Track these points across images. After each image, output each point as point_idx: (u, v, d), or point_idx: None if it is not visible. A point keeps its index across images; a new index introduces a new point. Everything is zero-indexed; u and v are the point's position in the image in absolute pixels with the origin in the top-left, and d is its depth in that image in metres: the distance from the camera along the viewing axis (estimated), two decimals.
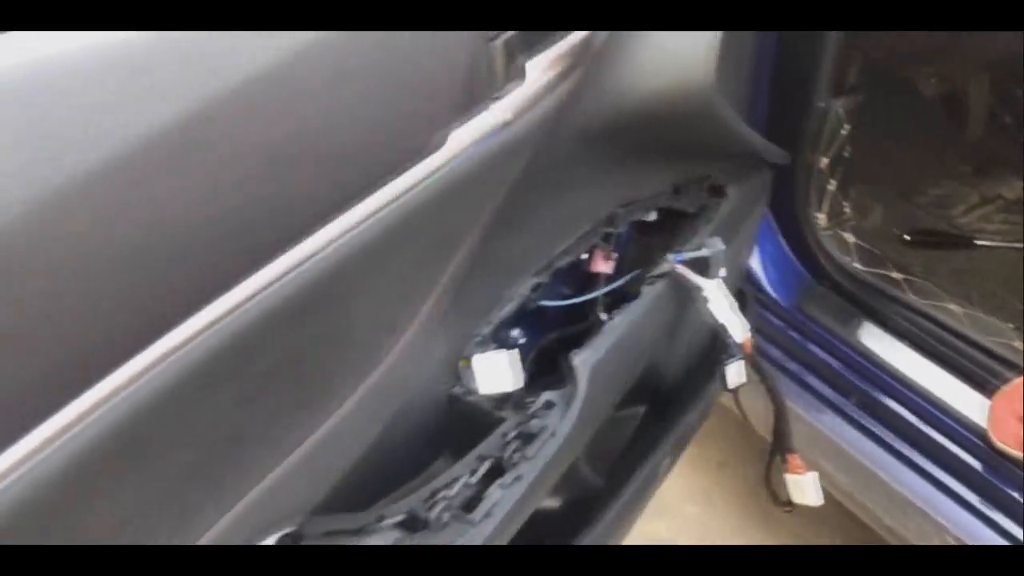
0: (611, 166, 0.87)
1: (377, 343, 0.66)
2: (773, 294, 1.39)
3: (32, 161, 0.41)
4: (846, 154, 1.39)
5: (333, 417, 0.63)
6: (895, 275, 1.41)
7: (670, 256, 0.87)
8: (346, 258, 0.56)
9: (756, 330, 1.36)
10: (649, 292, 0.84)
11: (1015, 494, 1.14)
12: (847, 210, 1.44)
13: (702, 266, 0.88)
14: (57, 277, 0.42)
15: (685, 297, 0.88)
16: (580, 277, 0.94)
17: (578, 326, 0.86)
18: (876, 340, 1.32)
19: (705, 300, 0.84)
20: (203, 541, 0.57)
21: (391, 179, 0.56)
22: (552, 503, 1.01)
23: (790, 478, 0.91)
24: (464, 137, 0.60)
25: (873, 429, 1.29)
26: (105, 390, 0.45)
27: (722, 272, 0.88)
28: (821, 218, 1.41)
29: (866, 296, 1.35)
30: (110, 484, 0.49)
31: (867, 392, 1.29)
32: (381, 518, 0.64)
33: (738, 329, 0.85)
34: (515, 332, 0.84)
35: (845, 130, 1.36)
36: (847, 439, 1.30)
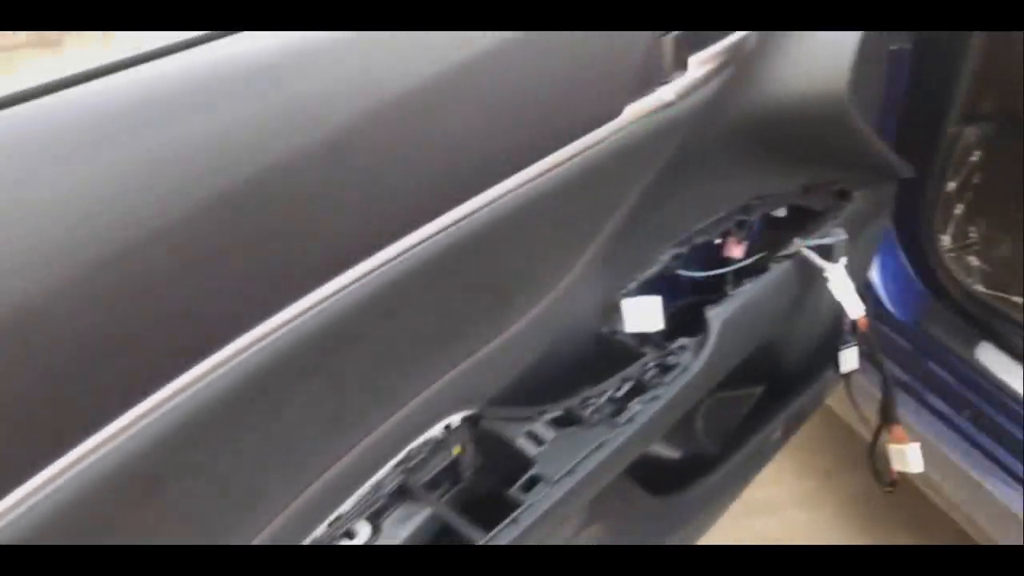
0: (749, 160, 1.00)
1: (546, 279, 0.81)
2: (892, 309, 1.47)
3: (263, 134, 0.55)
4: (975, 180, 1.46)
5: (509, 331, 0.79)
6: (1016, 299, 1.45)
7: (797, 240, 0.99)
8: (529, 201, 0.71)
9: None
10: (776, 268, 0.97)
11: None
12: (972, 234, 1.50)
13: (826, 252, 0.99)
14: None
15: (808, 278, 0.99)
16: (712, 260, 1.07)
17: (709, 296, 0.99)
18: (992, 359, 1.38)
19: (826, 280, 0.96)
20: (398, 415, 0.73)
21: (580, 137, 0.72)
22: (672, 454, 1.13)
23: (893, 448, 1.00)
24: (636, 110, 0.75)
25: (983, 443, 1.34)
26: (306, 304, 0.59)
27: (843, 260, 0.99)
28: (945, 239, 1.47)
29: (985, 316, 1.41)
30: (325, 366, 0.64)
31: (980, 407, 1.35)
32: (543, 412, 0.79)
33: (855, 308, 0.96)
34: (665, 290, 0.97)
35: (975, 157, 1.43)
36: (958, 453, 1.36)
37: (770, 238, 1.10)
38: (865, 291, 1.42)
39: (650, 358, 0.85)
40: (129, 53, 0.56)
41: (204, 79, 0.54)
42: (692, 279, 1.00)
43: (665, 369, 0.84)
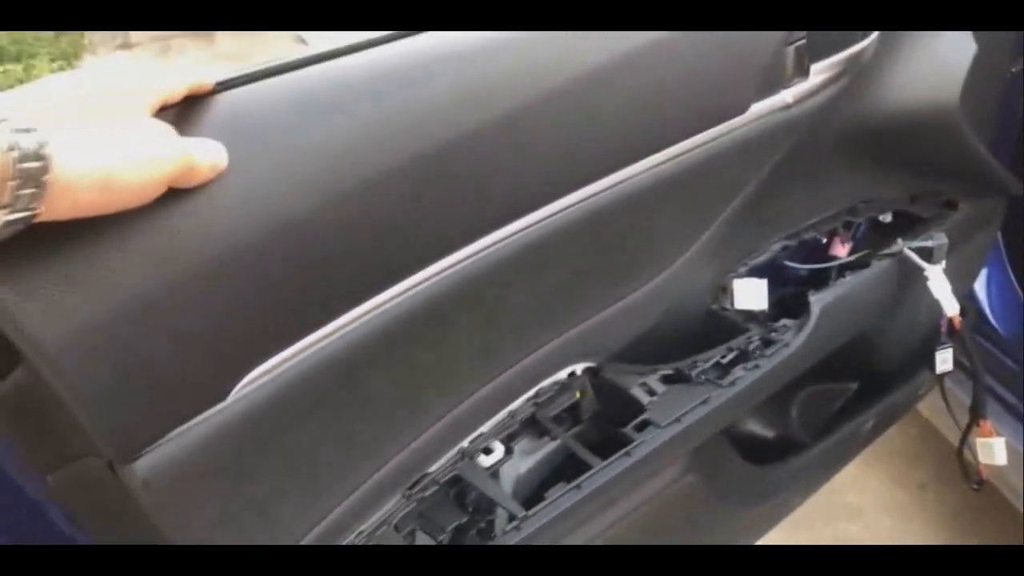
0: (860, 165, 1.09)
1: (666, 254, 0.92)
2: (996, 325, 1.51)
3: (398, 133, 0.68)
4: None
5: (630, 297, 0.90)
6: None
7: (900, 240, 1.07)
8: (658, 183, 0.83)
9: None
10: (878, 265, 1.05)
11: None
12: None
13: (927, 254, 1.07)
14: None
15: (908, 278, 1.07)
16: (817, 257, 1.15)
17: (813, 287, 1.08)
18: None
19: (926, 279, 1.03)
20: (533, 356, 0.85)
21: (710, 127, 0.83)
22: (769, 434, 1.23)
23: (980, 441, 1.06)
24: (759, 109, 0.86)
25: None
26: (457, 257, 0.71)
27: (943, 263, 1.06)
28: None
29: None
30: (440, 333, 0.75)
31: None
32: (655, 370, 0.90)
33: (951, 307, 1.03)
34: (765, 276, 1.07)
35: None
36: None
37: (874, 241, 1.18)
38: (970, 303, 1.47)
39: (755, 333, 0.95)
40: (354, 40, 0.71)
41: (407, 65, 0.68)
42: (797, 271, 1.09)
43: (767, 343, 0.94)
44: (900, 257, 1.06)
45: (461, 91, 0.69)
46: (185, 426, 0.57)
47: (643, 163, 0.81)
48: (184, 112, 0.58)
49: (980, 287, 1.53)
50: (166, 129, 0.54)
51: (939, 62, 1.01)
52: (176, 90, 0.57)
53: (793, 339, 0.95)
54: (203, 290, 0.55)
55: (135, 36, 3.94)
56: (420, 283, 0.69)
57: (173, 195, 0.53)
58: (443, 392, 0.78)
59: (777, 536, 1.72)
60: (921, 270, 1.04)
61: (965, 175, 1.18)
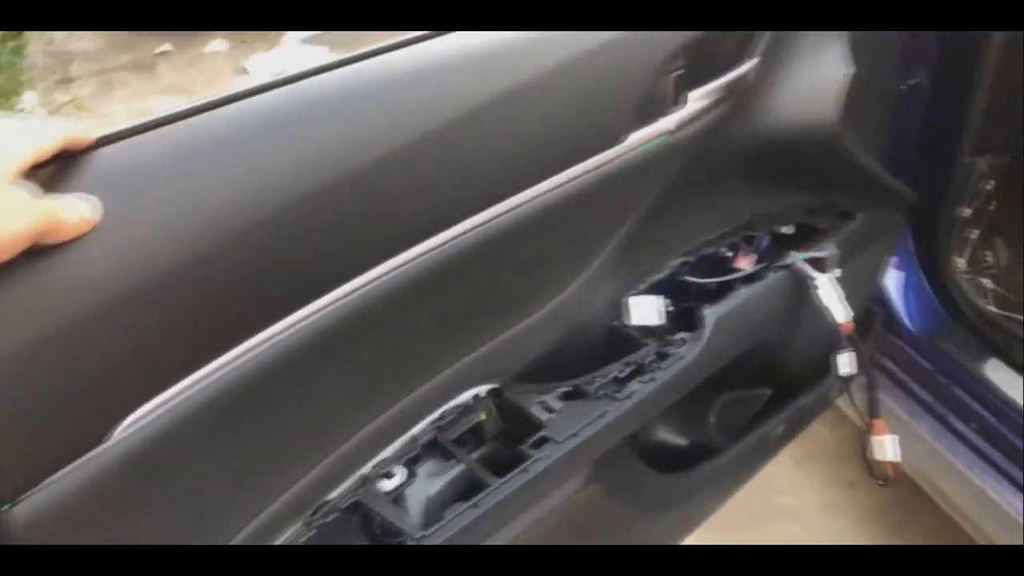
0: (754, 182, 1.14)
1: (563, 277, 0.96)
2: (910, 326, 1.57)
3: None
4: (990, 208, 1.55)
5: (529, 320, 0.94)
6: (1018, 316, 1.54)
7: (792, 253, 1.12)
8: (545, 210, 0.87)
9: (889, 355, 1.55)
10: (771, 276, 1.10)
11: None
12: (988, 258, 1.59)
13: (819, 265, 1.12)
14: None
15: (802, 287, 1.12)
16: (722, 271, 1.20)
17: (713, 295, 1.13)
18: (1000, 375, 1.46)
19: (816, 288, 1.08)
20: (435, 381, 0.89)
21: (587, 158, 0.87)
22: (684, 442, 1.27)
23: (875, 439, 1.11)
24: (638, 138, 0.91)
25: (989, 454, 1.43)
26: (347, 289, 0.74)
27: (836, 272, 1.11)
28: (961, 262, 1.57)
29: (995, 335, 1.50)
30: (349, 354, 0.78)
31: (987, 420, 1.44)
32: (556, 387, 0.94)
33: (841, 313, 1.08)
34: (665, 297, 1.12)
35: (989, 185, 1.53)
36: (964, 461, 1.45)
37: (777, 253, 1.23)
38: (879, 306, 1.53)
39: (651, 347, 1.00)
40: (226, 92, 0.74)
41: (294, 107, 0.71)
42: (699, 285, 1.14)
43: (663, 356, 0.98)
44: (792, 268, 1.11)
45: (348, 130, 0.72)
46: (65, 469, 0.59)
47: (533, 191, 0.85)
48: (61, 169, 0.61)
49: (893, 289, 1.59)
50: (30, 189, 0.56)
51: (818, 83, 1.06)
52: (48, 148, 0.60)
53: (688, 351, 0.99)
54: (72, 342, 0.57)
55: (76, 70, 3.93)
56: (314, 313, 0.72)
57: (43, 251, 0.56)
58: (343, 420, 0.81)
59: (715, 539, 1.76)
60: (811, 279, 1.09)
61: (857, 187, 1.24)
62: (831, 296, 1.08)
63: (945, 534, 1.68)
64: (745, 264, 1.21)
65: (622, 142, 0.90)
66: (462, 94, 0.78)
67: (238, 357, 0.68)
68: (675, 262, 1.11)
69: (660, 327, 1.03)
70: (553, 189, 0.86)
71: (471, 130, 0.78)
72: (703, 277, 1.16)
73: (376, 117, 0.74)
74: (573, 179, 0.87)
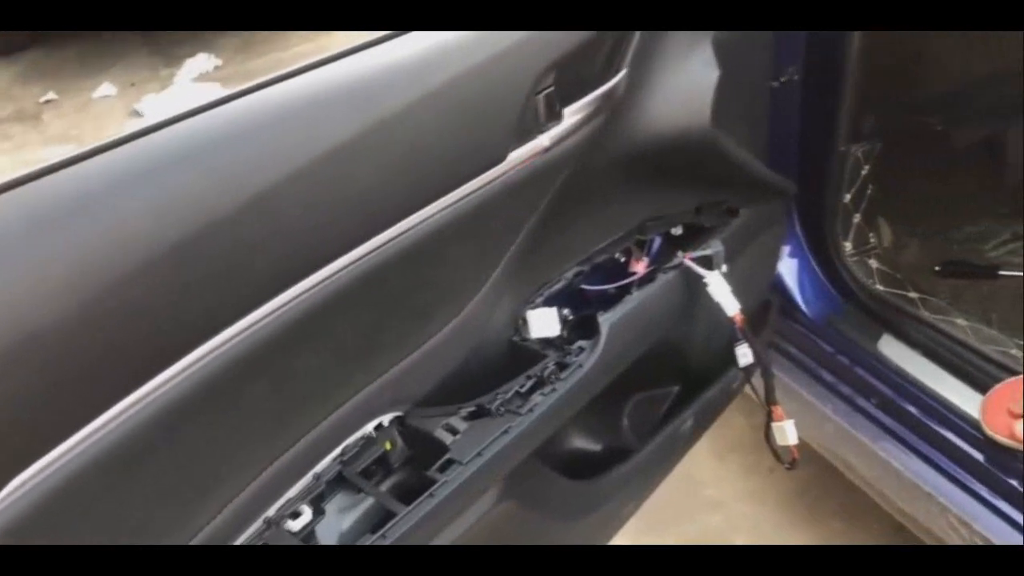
0: (640, 187, 1.17)
1: (458, 297, 0.97)
2: (807, 311, 1.63)
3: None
4: (869, 191, 1.63)
5: (428, 344, 0.95)
6: (912, 295, 1.62)
7: (680, 253, 1.16)
8: (441, 230, 0.88)
9: (791, 341, 1.61)
10: (662, 278, 1.13)
11: (1008, 478, 1.33)
12: (872, 240, 1.67)
13: (707, 263, 1.15)
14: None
15: (694, 285, 1.16)
16: (618, 274, 1.23)
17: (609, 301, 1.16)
18: (893, 350, 1.54)
19: (706, 284, 1.12)
20: (334, 416, 0.88)
21: (471, 179, 0.88)
22: (598, 447, 1.29)
23: (775, 426, 1.15)
24: (521, 154, 0.92)
25: (890, 426, 1.50)
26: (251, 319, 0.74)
27: (723, 268, 1.15)
28: (848, 246, 1.64)
29: (885, 313, 1.58)
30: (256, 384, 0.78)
31: (885, 394, 1.51)
32: (460, 408, 0.95)
33: (730, 307, 1.11)
34: (562, 307, 1.13)
35: (865, 171, 1.61)
36: (869, 435, 1.52)
37: (669, 254, 1.27)
38: (776, 294, 1.59)
39: (551, 359, 1.01)
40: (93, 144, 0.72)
41: (147, 161, 0.71)
42: (595, 293, 1.16)
43: (563, 367, 1.00)
44: (681, 267, 1.15)
45: (208, 179, 0.72)
46: None
47: (419, 215, 0.86)
48: None
49: (789, 277, 1.66)
50: None
51: (687, 88, 1.10)
52: None
53: (586, 359, 1.01)
54: None
55: None
56: (204, 357, 0.71)
57: None
58: (244, 462, 0.80)
59: (647, 536, 1.79)
60: (701, 277, 1.13)
61: (738, 184, 1.29)
62: (721, 291, 1.12)
63: (858, 507, 1.75)
64: (639, 267, 1.24)
65: (504, 160, 0.91)
66: (341, 125, 0.78)
67: (126, 410, 0.67)
68: (570, 272, 1.13)
69: (559, 337, 1.05)
70: (440, 211, 0.87)
71: (352, 159, 0.79)
72: (603, 283, 1.19)
73: (253, 154, 0.74)
74: (459, 200, 0.89)
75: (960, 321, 1.56)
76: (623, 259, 1.25)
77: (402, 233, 0.84)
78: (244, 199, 0.71)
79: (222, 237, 0.70)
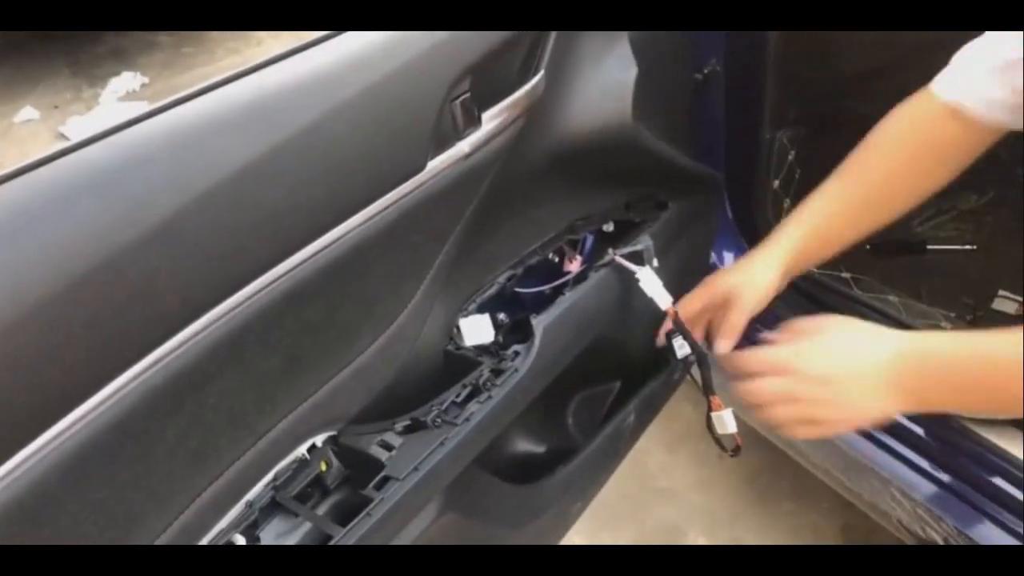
0: (568, 188, 1.17)
1: (388, 310, 0.96)
2: None
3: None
4: (797, 176, 1.65)
5: (360, 359, 0.93)
6: (844, 274, 1.65)
7: (611, 250, 1.16)
8: (362, 244, 0.86)
9: None
10: (593, 276, 1.13)
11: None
12: None
13: (638, 258, 1.16)
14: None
15: (627, 281, 1.16)
16: (553, 275, 1.23)
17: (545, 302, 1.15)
18: None
19: (638, 280, 1.12)
20: (262, 442, 0.86)
21: (389, 191, 0.87)
22: (542, 449, 1.29)
23: (714, 415, 1.16)
24: (441, 162, 0.91)
25: None
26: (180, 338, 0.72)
27: (655, 263, 1.16)
28: None
29: (820, 294, 1.60)
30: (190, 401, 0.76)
31: None
32: (395, 423, 0.93)
33: (663, 301, 1.12)
34: (497, 312, 1.13)
35: (792, 156, 1.63)
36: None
37: (601, 252, 1.27)
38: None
39: (486, 365, 1.00)
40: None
41: (47, 192, 0.68)
42: (528, 296, 1.16)
43: (498, 373, 0.99)
44: (613, 264, 1.15)
45: (110, 207, 0.69)
46: None
47: (334, 232, 0.84)
48: None
49: (724, 264, 1.67)
50: None
51: (606, 87, 1.10)
52: None
53: (522, 363, 1.00)
54: None
55: None
56: (104, 402, 0.68)
57: None
58: (161, 502, 0.77)
59: (602, 532, 1.80)
60: (632, 273, 1.13)
61: (664, 178, 1.29)
62: (653, 286, 1.12)
63: (808, 488, 1.78)
64: (573, 267, 1.24)
65: (423, 169, 0.90)
66: (250, 143, 0.76)
67: (27, 459, 0.64)
68: (502, 276, 1.12)
69: (494, 343, 1.04)
70: (359, 226, 0.85)
71: (262, 178, 0.77)
72: (538, 285, 1.19)
73: (159, 179, 0.71)
74: (379, 213, 0.87)
75: (892, 298, 1.60)
76: (557, 259, 1.25)
77: (320, 251, 0.82)
78: (149, 226, 0.69)
79: (126, 268, 0.67)
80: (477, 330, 1.03)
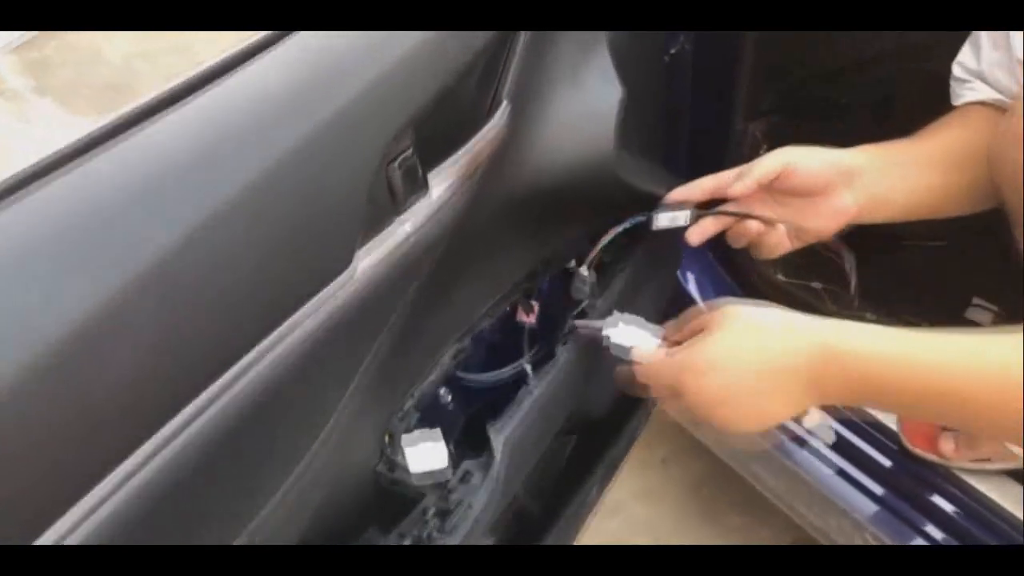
0: (531, 232, 0.93)
1: (298, 443, 0.71)
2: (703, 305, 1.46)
3: None
4: None
5: (262, 512, 0.68)
6: (815, 285, 1.48)
7: (570, 320, 0.92)
8: (264, 385, 0.60)
9: None
10: (561, 352, 0.90)
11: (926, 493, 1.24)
12: None
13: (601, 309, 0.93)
14: None
15: (595, 344, 0.93)
16: (508, 330, 0.99)
17: (503, 388, 0.92)
18: None
19: (607, 338, 0.86)
20: None
21: (302, 306, 0.61)
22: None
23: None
24: (369, 259, 0.65)
25: (797, 431, 1.38)
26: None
27: (622, 318, 0.91)
28: None
29: (789, 306, 1.42)
30: None
31: None
32: None
33: (646, 351, 0.85)
34: (444, 400, 0.89)
35: (763, 150, 1.42)
36: (773, 443, 1.39)
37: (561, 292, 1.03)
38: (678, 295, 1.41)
39: (430, 501, 0.77)
40: None
41: None
42: (475, 383, 0.92)
43: (445, 515, 0.76)
44: (576, 334, 0.92)
45: None
46: None
47: (229, 375, 0.58)
48: None
49: (687, 272, 1.48)
50: None
51: (584, 111, 0.85)
52: None
53: (477, 495, 0.77)
54: None
55: None
56: None
57: None
58: None
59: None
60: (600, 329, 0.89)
61: (641, 203, 1.06)
62: (626, 338, 0.88)
63: (757, 501, 1.65)
64: (529, 320, 1.01)
65: (349, 266, 0.64)
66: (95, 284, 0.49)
67: None
68: (447, 356, 0.88)
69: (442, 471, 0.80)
70: (265, 357, 0.60)
71: (119, 328, 0.50)
72: (493, 348, 0.95)
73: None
74: (289, 335, 0.61)
75: (869, 315, 1.44)
76: (509, 308, 1.00)
77: (204, 409, 0.57)
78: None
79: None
80: (425, 454, 0.78)
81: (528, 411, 0.82)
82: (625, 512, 1.75)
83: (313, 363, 0.65)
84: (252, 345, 0.58)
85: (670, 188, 1.10)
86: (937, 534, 1.21)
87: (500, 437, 0.79)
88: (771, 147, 1.42)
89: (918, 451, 1.26)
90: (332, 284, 0.63)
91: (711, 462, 1.68)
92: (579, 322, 0.91)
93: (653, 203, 0.96)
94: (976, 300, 1.52)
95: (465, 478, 0.78)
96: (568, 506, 1.05)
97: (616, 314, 0.89)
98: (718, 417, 0.74)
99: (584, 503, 1.07)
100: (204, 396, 0.56)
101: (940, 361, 0.67)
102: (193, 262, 0.52)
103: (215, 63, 0.59)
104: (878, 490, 1.31)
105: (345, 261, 0.63)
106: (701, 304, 1.41)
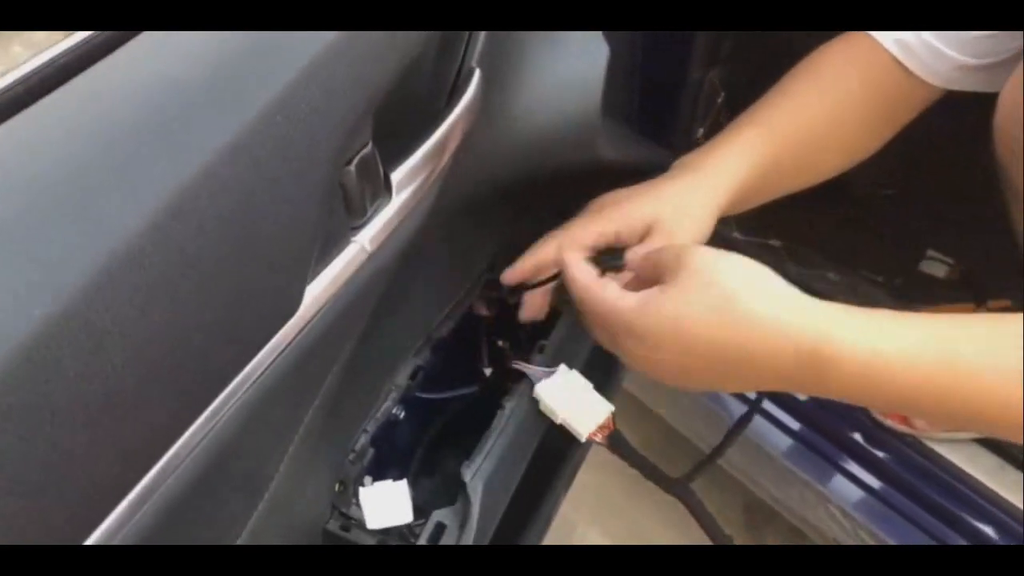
0: (497, 213, 0.78)
1: (237, 514, 0.56)
2: None
3: None
4: (722, 120, 1.33)
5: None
6: (773, 243, 1.39)
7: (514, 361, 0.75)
8: (192, 464, 0.45)
9: None
10: (515, 400, 0.73)
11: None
12: None
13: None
14: None
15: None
16: (468, 326, 0.85)
17: (466, 402, 0.78)
18: None
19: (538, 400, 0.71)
20: None
21: (241, 370, 0.45)
22: None
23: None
24: (322, 289, 0.50)
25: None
26: None
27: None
28: None
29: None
30: None
31: None
32: None
33: (583, 425, 0.71)
34: (401, 430, 0.74)
35: (721, 98, 1.30)
36: (735, 414, 1.32)
37: None
38: None
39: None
40: None
41: None
42: (431, 401, 0.78)
43: None
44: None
45: None
46: None
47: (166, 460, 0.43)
48: None
49: None
50: None
51: (565, 76, 0.70)
52: None
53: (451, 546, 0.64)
54: None
55: None
56: None
57: None
58: None
59: None
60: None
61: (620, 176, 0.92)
62: (561, 406, 0.72)
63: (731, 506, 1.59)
64: (487, 312, 0.87)
65: (299, 304, 0.48)
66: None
67: None
68: (403, 375, 0.73)
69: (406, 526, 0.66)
70: (205, 424, 0.45)
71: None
72: (455, 347, 0.81)
73: None
74: (235, 392, 0.46)
75: (831, 275, 1.36)
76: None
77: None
78: None
79: None
80: (385, 508, 0.64)
81: (498, 440, 0.69)
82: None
83: (255, 421, 0.50)
84: (179, 434, 0.43)
85: (652, 157, 0.98)
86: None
87: (478, 484, 0.65)
88: (729, 97, 1.31)
89: (889, 423, 1.20)
90: (277, 335, 0.47)
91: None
92: (517, 364, 0.74)
93: (632, 174, 0.83)
94: (931, 252, 1.46)
95: (438, 530, 0.65)
96: (533, 527, 0.92)
97: (561, 369, 0.74)
98: (658, 377, 0.61)
99: (549, 519, 0.95)
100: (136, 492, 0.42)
101: (949, 361, 0.55)
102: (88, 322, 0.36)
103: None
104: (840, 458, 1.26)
105: (292, 305, 0.48)
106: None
